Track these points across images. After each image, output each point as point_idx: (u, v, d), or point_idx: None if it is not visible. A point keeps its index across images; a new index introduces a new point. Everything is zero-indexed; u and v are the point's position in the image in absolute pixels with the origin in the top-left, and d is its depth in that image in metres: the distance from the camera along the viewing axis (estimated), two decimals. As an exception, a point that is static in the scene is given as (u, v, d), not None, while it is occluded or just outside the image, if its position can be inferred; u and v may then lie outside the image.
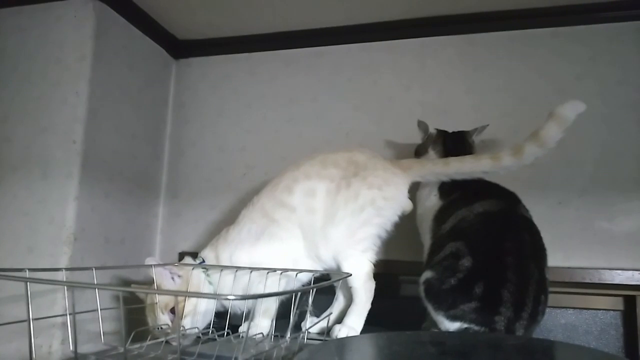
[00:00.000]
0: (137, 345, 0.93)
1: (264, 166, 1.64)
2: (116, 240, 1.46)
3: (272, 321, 1.13)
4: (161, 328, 1.10)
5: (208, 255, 1.24)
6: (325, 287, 1.07)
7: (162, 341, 0.98)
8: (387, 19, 1.57)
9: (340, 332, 1.11)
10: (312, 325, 1.16)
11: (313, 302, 1.04)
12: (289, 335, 0.92)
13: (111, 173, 1.44)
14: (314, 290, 0.93)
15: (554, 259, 1.10)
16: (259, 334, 1.06)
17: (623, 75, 1.41)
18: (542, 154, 1.11)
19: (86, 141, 1.34)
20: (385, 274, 1.27)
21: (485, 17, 1.51)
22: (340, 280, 1.10)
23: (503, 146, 1.16)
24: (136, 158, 1.58)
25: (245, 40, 1.72)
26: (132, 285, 1.24)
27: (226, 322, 1.04)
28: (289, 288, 1.17)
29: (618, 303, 1.33)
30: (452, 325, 1.03)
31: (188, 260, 1.25)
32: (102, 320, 0.96)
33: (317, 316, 1.23)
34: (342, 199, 1.16)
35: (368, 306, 1.14)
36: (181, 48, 1.78)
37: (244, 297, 0.94)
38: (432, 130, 1.35)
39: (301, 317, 1.04)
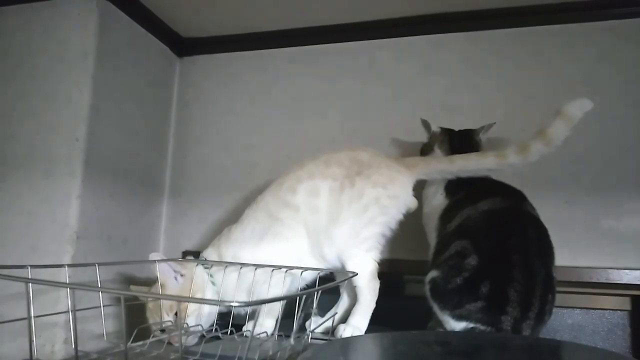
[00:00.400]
0: (139, 344, 0.93)
1: (269, 165, 1.63)
2: (119, 239, 1.45)
3: (276, 321, 1.12)
4: (163, 327, 1.10)
5: (210, 254, 1.23)
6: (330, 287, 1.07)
7: (165, 340, 0.98)
8: (392, 17, 1.56)
9: (345, 331, 1.10)
10: (317, 326, 1.15)
11: (319, 303, 1.04)
12: (293, 335, 0.91)
13: (114, 171, 1.44)
14: (319, 292, 0.92)
15: (560, 258, 1.09)
16: (262, 333, 1.06)
17: (631, 73, 1.40)
18: (548, 152, 1.10)
19: (89, 139, 1.33)
20: (390, 273, 1.26)
21: (491, 15, 1.50)
22: (346, 281, 1.09)
23: (509, 144, 1.15)
24: (140, 156, 1.57)
25: (249, 38, 1.72)
26: (131, 287, 1.23)
27: (230, 321, 1.04)
28: (293, 286, 1.16)
29: (625, 303, 1.32)
30: (458, 325, 1.02)
31: (192, 259, 1.24)
32: (106, 319, 0.95)
33: (322, 316, 1.22)
34: (346, 198, 1.15)
35: (373, 305, 1.13)
36: (185, 46, 1.77)
37: (248, 304, 0.92)
38: (435, 128, 1.34)
39: (306, 318, 1.03)
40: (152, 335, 1.00)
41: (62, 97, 1.35)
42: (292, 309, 0.95)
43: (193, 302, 1.11)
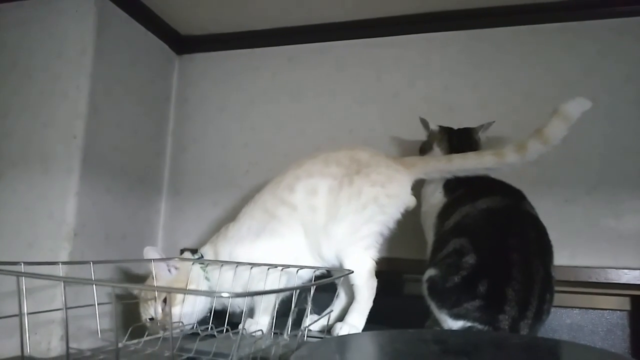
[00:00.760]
0: (134, 342, 0.92)
1: (267, 163, 1.63)
2: (117, 236, 1.45)
3: (272, 318, 1.12)
4: (150, 319, 1.12)
5: (207, 252, 1.23)
6: (326, 284, 1.07)
7: (159, 337, 0.97)
8: (391, 14, 1.56)
9: (342, 330, 1.10)
10: (312, 322, 1.15)
11: (314, 300, 1.03)
12: (287, 331, 0.90)
13: (112, 169, 1.44)
14: (314, 287, 0.92)
15: (559, 258, 1.08)
16: (258, 331, 1.05)
17: (631, 71, 1.39)
18: (546, 151, 1.09)
19: (87, 136, 1.33)
20: (389, 271, 1.25)
21: (491, 12, 1.49)
22: (342, 278, 1.09)
23: (508, 143, 1.14)
24: (138, 154, 1.57)
25: (248, 35, 1.71)
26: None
27: (225, 319, 1.03)
28: (290, 285, 1.16)
29: (625, 303, 1.31)
30: (456, 324, 1.01)
31: (188, 255, 1.24)
32: (102, 317, 0.95)
33: (318, 314, 1.21)
34: (345, 197, 1.15)
35: (370, 304, 1.13)
36: (184, 43, 1.77)
37: (239, 295, 0.93)
38: (433, 127, 1.34)
39: (301, 315, 1.02)
40: (146, 334, 0.99)
41: (59, 94, 1.35)
42: (288, 308, 0.95)
43: (186, 293, 1.12)
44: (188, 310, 1.13)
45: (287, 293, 1.18)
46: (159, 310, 1.12)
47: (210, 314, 1.19)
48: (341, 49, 1.64)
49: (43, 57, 1.39)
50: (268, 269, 1.08)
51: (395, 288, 1.42)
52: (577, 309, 1.33)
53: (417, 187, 1.24)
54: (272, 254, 1.15)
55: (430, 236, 1.20)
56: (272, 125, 1.67)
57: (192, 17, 1.64)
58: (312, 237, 1.17)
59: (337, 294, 1.24)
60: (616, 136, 1.37)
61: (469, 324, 0.99)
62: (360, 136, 1.56)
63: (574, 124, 1.07)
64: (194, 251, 1.25)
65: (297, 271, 1.09)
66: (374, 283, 1.14)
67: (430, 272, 1.07)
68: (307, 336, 1.01)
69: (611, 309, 1.31)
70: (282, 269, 1.08)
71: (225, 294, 0.76)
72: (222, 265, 1.17)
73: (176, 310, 1.11)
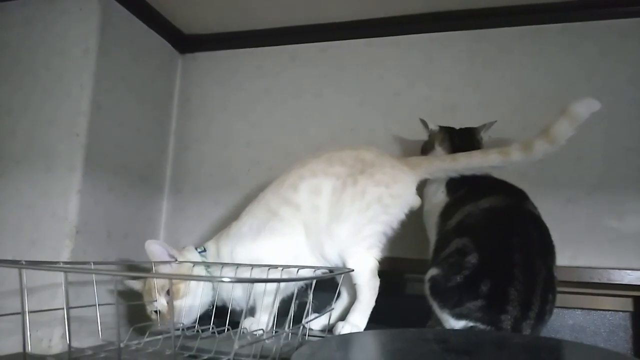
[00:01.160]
0: (135, 342, 0.92)
1: (269, 162, 1.63)
2: (119, 234, 1.45)
3: (272, 316, 1.12)
4: (156, 312, 1.12)
5: (211, 247, 1.24)
6: (328, 284, 1.07)
7: (161, 336, 0.97)
8: (393, 14, 1.55)
9: (343, 329, 1.10)
10: (313, 318, 1.15)
11: (317, 301, 1.03)
12: (289, 324, 0.90)
13: (115, 167, 1.44)
14: (315, 281, 0.92)
15: (561, 258, 1.08)
16: (259, 330, 1.05)
17: (633, 71, 1.39)
18: (551, 151, 1.09)
19: (90, 134, 1.33)
20: (391, 272, 1.25)
21: (494, 13, 1.49)
22: (343, 275, 1.09)
23: (511, 143, 1.14)
24: (140, 152, 1.57)
25: (251, 35, 1.71)
26: (125, 282, 1.24)
27: (227, 319, 1.03)
28: (290, 285, 1.16)
29: (627, 304, 1.30)
30: (458, 324, 1.01)
31: (190, 248, 1.25)
32: (105, 317, 0.95)
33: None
34: (349, 196, 1.15)
35: (372, 304, 1.13)
36: (187, 42, 1.77)
37: (238, 280, 0.93)
38: (433, 126, 1.34)
39: (302, 310, 1.03)
40: (147, 334, 1.00)
41: (62, 92, 1.35)
42: (289, 307, 0.95)
43: (185, 279, 1.13)
44: (190, 302, 1.14)
45: (288, 292, 1.18)
46: (163, 302, 1.13)
47: (212, 312, 1.19)
48: (343, 48, 1.64)
49: (46, 55, 1.39)
50: (269, 269, 1.08)
51: (397, 288, 1.42)
52: (579, 310, 1.33)
53: (420, 187, 1.24)
54: (272, 253, 1.15)
55: (432, 236, 1.19)
56: (274, 125, 1.66)
57: (195, 16, 1.64)
58: (315, 236, 1.17)
59: (338, 292, 1.23)
60: (618, 136, 1.37)
61: (471, 323, 0.99)
62: (361, 136, 1.56)
63: (580, 125, 1.07)
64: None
65: (298, 271, 1.09)
66: (376, 283, 1.14)
67: (433, 271, 1.07)
68: (308, 335, 1.02)
69: (614, 310, 1.31)
70: (282, 269, 1.08)
71: (226, 279, 0.77)
72: (222, 266, 1.17)
73: (179, 303, 1.12)
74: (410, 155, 1.28)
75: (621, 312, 1.31)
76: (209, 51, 1.78)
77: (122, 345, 0.86)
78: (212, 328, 1.04)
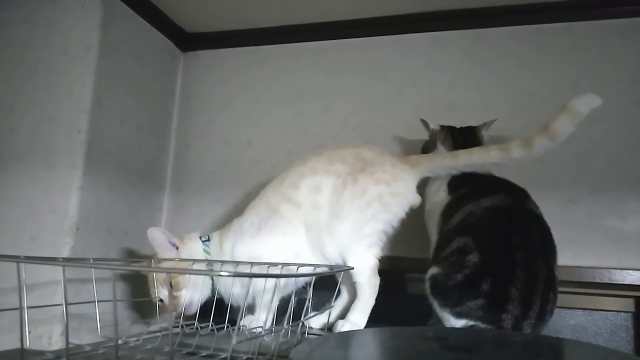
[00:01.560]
0: (133, 338, 0.92)
1: (270, 160, 1.63)
2: (119, 231, 1.45)
3: (272, 314, 1.12)
4: (161, 301, 1.14)
5: (215, 239, 1.25)
6: (328, 282, 1.06)
7: (159, 333, 0.97)
8: (395, 13, 1.55)
9: (343, 327, 1.10)
10: (312, 315, 1.15)
11: (317, 300, 1.03)
12: (289, 320, 0.90)
13: (116, 164, 1.44)
14: (314, 279, 0.92)
15: (563, 258, 1.07)
16: (258, 327, 1.05)
17: (635, 71, 1.38)
18: (552, 147, 1.08)
19: (91, 131, 1.33)
20: (391, 270, 1.25)
21: (494, 12, 1.49)
22: (343, 274, 1.09)
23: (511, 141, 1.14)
24: (141, 150, 1.57)
25: (253, 33, 1.71)
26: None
27: (226, 317, 1.03)
28: (290, 283, 1.15)
29: (629, 304, 1.30)
30: (458, 323, 1.00)
31: (193, 236, 1.26)
32: (104, 314, 0.95)
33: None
34: (349, 195, 1.14)
35: (372, 302, 1.12)
36: (189, 41, 1.77)
37: (238, 275, 0.94)
38: (433, 126, 1.33)
39: (301, 306, 1.02)
40: (146, 332, 1.00)
41: (64, 89, 1.35)
42: (288, 305, 0.95)
43: (184, 273, 1.14)
44: (190, 294, 1.16)
45: (287, 290, 1.18)
46: (166, 293, 1.14)
47: (211, 309, 1.18)
48: (345, 47, 1.64)
49: (48, 52, 1.39)
50: (268, 267, 1.08)
51: (398, 287, 1.41)
52: (580, 310, 1.32)
53: (421, 186, 1.24)
54: (272, 250, 1.15)
55: (433, 234, 1.19)
56: (276, 123, 1.66)
57: (197, 14, 1.64)
58: (315, 234, 1.16)
59: (337, 290, 1.23)
60: (620, 136, 1.36)
61: (471, 322, 0.99)
62: (363, 134, 1.56)
63: (581, 122, 1.07)
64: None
65: (298, 268, 1.08)
66: (376, 281, 1.13)
67: (433, 270, 1.07)
68: (307, 333, 1.01)
69: (615, 311, 1.30)
70: (282, 267, 1.08)
71: (224, 273, 0.77)
72: (222, 264, 1.17)
73: (181, 294, 1.13)
74: (411, 154, 1.27)
75: (623, 313, 1.30)
76: (211, 49, 1.78)
77: (120, 341, 0.86)
78: (211, 325, 1.04)
